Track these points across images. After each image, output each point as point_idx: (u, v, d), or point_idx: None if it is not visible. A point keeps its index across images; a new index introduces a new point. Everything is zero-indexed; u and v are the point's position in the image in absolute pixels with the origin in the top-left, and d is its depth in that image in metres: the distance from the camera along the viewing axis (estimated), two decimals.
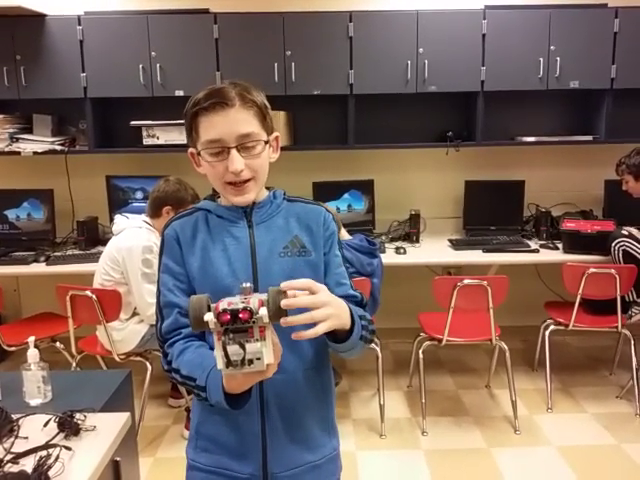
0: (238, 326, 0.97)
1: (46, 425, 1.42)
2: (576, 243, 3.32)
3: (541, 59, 3.46)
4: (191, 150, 1.23)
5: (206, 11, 3.50)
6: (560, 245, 3.44)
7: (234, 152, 1.15)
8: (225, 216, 1.24)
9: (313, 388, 1.27)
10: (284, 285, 1.00)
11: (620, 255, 3.07)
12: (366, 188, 3.78)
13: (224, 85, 1.17)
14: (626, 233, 3.09)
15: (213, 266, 1.20)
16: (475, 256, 3.39)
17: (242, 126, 1.15)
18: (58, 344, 3.13)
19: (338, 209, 3.68)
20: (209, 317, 0.97)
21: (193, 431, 1.30)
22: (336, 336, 1.14)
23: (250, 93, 1.18)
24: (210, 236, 1.23)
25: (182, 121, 3.79)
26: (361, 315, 1.19)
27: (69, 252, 3.54)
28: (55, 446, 1.31)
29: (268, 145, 1.21)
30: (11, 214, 3.70)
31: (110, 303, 2.76)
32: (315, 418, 1.28)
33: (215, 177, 1.19)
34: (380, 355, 3.06)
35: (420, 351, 3.03)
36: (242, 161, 1.16)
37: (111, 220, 3.23)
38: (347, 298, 1.22)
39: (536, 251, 3.42)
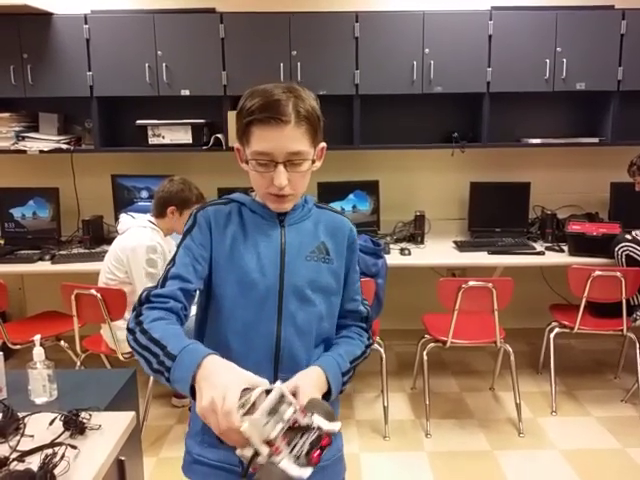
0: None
1: (52, 424, 1.42)
2: (582, 245, 3.31)
3: (547, 60, 3.46)
4: (237, 146, 1.24)
5: (212, 10, 3.51)
6: (565, 247, 3.43)
7: (281, 168, 1.16)
8: (259, 212, 1.26)
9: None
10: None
11: (623, 260, 3.06)
12: (371, 189, 3.78)
13: (281, 98, 1.14)
14: (630, 238, 3.08)
15: (242, 258, 1.22)
16: (480, 258, 3.39)
17: (293, 144, 1.16)
18: (63, 343, 3.13)
19: (343, 210, 3.68)
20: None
21: (198, 427, 1.28)
22: None
23: (305, 106, 1.17)
24: (242, 229, 1.25)
25: (187, 120, 3.76)
26: (344, 371, 1.22)
27: (74, 251, 3.54)
28: (61, 444, 1.31)
29: (315, 154, 1.23)
30: (17, 212, 3.71)
31: (115, 302, 2.76)
32: None
33: (258, 186, 1.22)
34: (384, 357, 3.05)
35: (424, 353, 3.02)
36: (287, 176, 1.17)
37: (116, 219, 3.24)
38: (354, 313, 1.34)
39: (541, 253, 3.41)
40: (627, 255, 3.05)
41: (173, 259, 1.23)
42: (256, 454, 0.91)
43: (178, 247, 1.24)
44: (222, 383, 0.96)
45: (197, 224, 1.24)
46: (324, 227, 1.30)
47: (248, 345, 1.21)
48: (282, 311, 1.22)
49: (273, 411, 0.91)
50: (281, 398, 0.93)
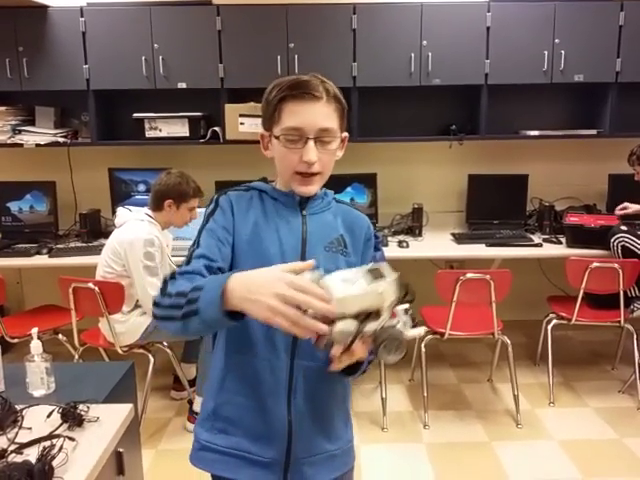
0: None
1: (49, 416, 1.42)
2: (579, 237, 3.31)
3: (545, 52, 3.45)
4: (263, 133, 1.26)
5: (209, 3, 3.49)
6: (563, 239, 3.43)
7: (311, 143, 1.18)
8: (281, 200, 1.27)
9: (337, 378, 1.28)
10: None
11: (619, 251, 3.07)
12: (369, 181, 3.77)
13: (310, 79, 1.20)
14: (625, 229, 3.09)
15: (262, 244, 1.22)
16: (478, 250, 3.39)
17: (324, 120, 1.18)
18: (61, 336, 3.14)
19: None
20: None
21: (209, 412, 1.28)
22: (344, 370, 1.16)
23: (333, 88, 1.22)
24: (264, 215, 1.25)
25: (184, 114, 3.75)
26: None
27: (72, 244, 3.54)
28: (59, 437, 1.31)
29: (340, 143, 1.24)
30: (14, 206, 3.70)
31: (113, 295, 2.76)
32: (336, 407, 1.31)
33: (286, 164, 1.22)
34: None
35: (422, 345, 3.03)
36: (316, 153, 1.18)
37: (113, 213, 3.23)
38: None
39: (539, 245, 3.41)
40: (623, 246, 3.06)
41: (197, 242, 1.21)
42: (361, 326, 0.97)
43: (200, 230, 1.23)
44: (271, 275, 0.98)
45: (219, 207, 1.25)
46: (342, 221, 1.30)
47: (268, 331, 1.21)
48: None
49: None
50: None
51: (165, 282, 1.15)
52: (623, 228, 3.10)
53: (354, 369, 1.16)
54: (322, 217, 1.28)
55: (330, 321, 0.96)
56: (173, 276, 1.15)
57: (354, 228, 1.31)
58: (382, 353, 0.99)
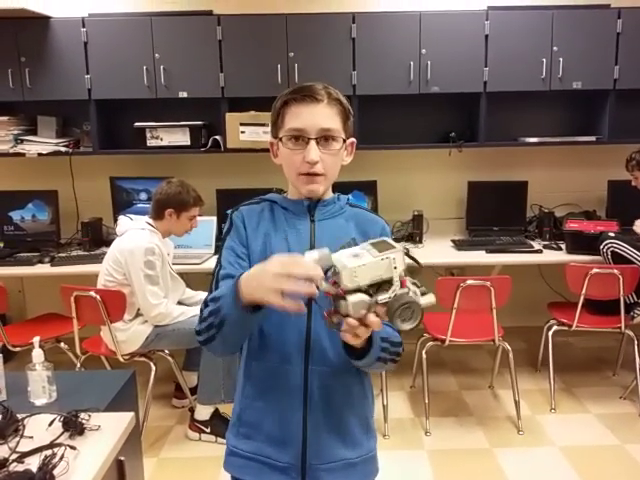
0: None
1: (51, 424, 1.43)
2: (579, 243, 3.31)
3: (544, 60, 3.47)
4: (271, 140, 1.30)
5: (209, 13, 3.52)
6: (563, 246, 3.44)
7: (313, 143, 1.20)
8: (290, 208, 1.29)
9: (356, 385, 1.30)
10: None
11: (610, 257, 3.08)
12: (369, 189, 3.78)
13: (314, 84, 1.24)
14: (612, 235, 3.10)
15: (273, 253, 1.23)
16: (478, 257, 3.40)
17: (325, 121, 1.21)
18: (62, 344, 3.15)
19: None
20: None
21: (235, 418, 1.31)
22: (355, 351, 1.16)
23: (337, 94, 1.26)
24: (273, 224, 1.28)
25: (185, 122, 3.77)
26: (383, 337, 1.18)
27: (73, 253, 3.56)
28: (60, 445, 1.31)
29: (344, 146, 1.27)
30: (16, 215, 3.72)
31: (114, 304, 2.77)
32: (354, 415, 1.30)
33: (290, 166, 1.25)
34: None
35: (423, 351, 3.03)
36: (318, 153, 1.21)
37: (115, 221, 3.25)
38: None
39: (539, 252, 3.42)
40: (612, 252, 3.06)
41: (219, 263, 1.26)
42: (374, 297, 1.00)
43: (220, 249, 1.29)
44: (267, 263, 1.04)
45: (234, 225, 1.29)
46: (355, 224, 1.31)
47: (282, 337, 1.23)
48: (312, 305, 1.22)
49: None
50: None
51: (201, 310, 1.20)
52: (611, 234, 3.11)
53: (364, 351, 1.15)
54: (333, 222, 1.29)
55: (343, 296, 1.00)
56: (206, 303, 1.19)
57: (367, 230, 1.31)
58: (397, 321, 1.01)
